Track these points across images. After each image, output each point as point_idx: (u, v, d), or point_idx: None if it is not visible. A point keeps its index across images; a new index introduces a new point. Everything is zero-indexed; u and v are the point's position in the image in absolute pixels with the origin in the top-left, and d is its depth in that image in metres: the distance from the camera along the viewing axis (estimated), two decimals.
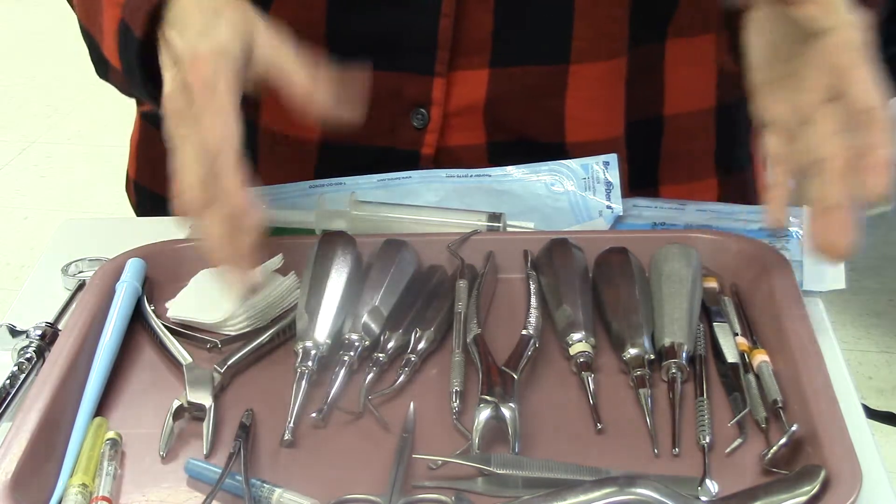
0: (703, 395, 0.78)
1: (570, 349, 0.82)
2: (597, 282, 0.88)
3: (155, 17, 0.84)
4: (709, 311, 0.87)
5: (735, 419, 0.76)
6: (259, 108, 1.06)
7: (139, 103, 1.20)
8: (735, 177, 1.12)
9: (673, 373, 0.80)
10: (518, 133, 1.02)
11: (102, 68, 0.96)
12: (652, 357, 0.81)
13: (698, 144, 1.09)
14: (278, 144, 1.07)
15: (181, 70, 0.80)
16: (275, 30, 0.82)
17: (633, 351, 0.81)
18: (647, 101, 1.06)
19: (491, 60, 0.99)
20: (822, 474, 0.68)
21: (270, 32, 0.82)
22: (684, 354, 0.81)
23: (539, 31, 0.99)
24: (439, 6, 0.96)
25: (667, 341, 0.82)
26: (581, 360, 0.81)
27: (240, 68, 0.80)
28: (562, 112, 1.00)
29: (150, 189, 1.20)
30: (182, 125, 0.80)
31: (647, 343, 0.82)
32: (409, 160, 1.02)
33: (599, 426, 0.77)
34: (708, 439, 0.75)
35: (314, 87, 0.81)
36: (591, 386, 0.79)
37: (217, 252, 0.80)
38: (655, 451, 0.74)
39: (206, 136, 0.78)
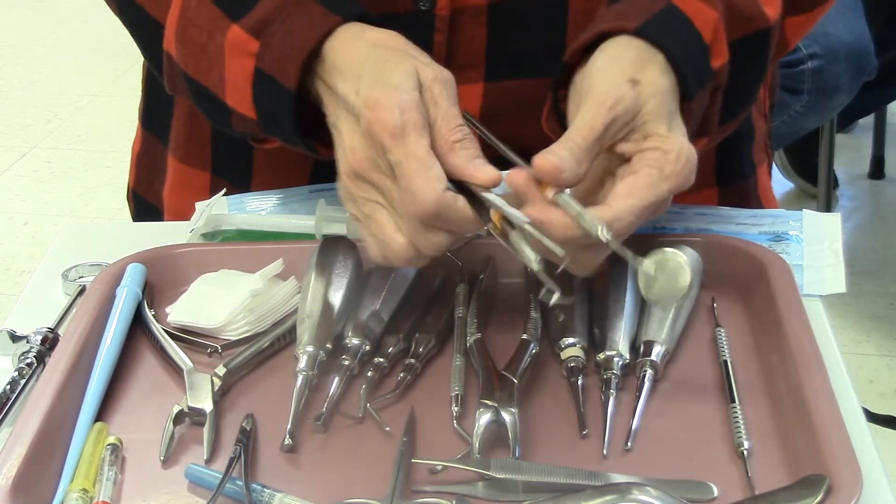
0: (734, 401, 0.78)
1: (561, 354, 0.82)
2: (593, 286, 0.88)
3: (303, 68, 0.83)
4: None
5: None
6: None
7: (142, 116, 1.20)
8: (736, 186, 1.12)
9: (644, 370, 0.81)
10: (514, 146, 1.01)
11: (221, 115, 0.92)
12: (626, 360, 0.81)
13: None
14: (274, 151, 1.06)
15: (361, 122, 0.78)
16: (441, 76, 0.80)
17: (607, 353, 0.82)
18: None
19: (485, 74, 0.99)
20: (826, 484, 0.68)
21: (437, 79, 0.80)
22: (660, 352, 0.81)
23: (533, 45, 0.99)
24: (433, 21, 0.96)
25: (643, 340, 0.82)
26: (571, 364, 0.81)
27: (424, 114, 0.78)
28: None
29: (146, 199, 1.20)
30: (384, 180, 0.78)
31: (622, 346, 0.82)
32: None
33: (585, 432, 0.77)
34: (747, 445, 0.74)
35: (452, 140, 0.79)
36: (581, 391, 0.79)
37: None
38: (605, 452, 0.75)
39: (414, 192, 0.76)
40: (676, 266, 0.76)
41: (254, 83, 0.87)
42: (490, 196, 0.77)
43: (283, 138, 0.89)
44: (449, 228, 0.78)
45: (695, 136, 0.85)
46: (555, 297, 0.74)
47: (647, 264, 0.76)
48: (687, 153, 0.79)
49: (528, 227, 0.75)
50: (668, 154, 0.78)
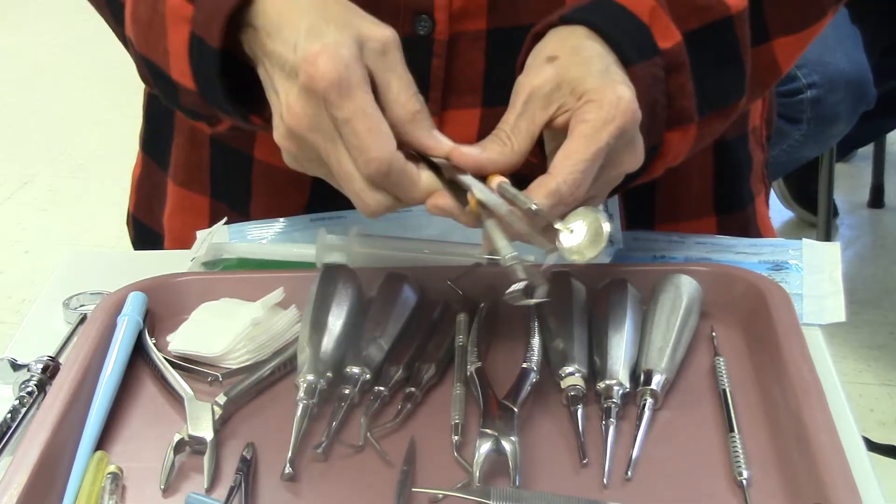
0: (733, 430, 0.78)
1: (561, 382, 0.82)
2: (593, 315, 0.88)
3: (233, 27, 0.81)
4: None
5: None
6: (254, 138, 1.06)
7: (142, 140, 1.20)
8: (735, 215, 1.12)
9: (644, 399, 0.81)
10: (511, 172, 1.02)
11: (172, 95, 0.90)
12: (626, 389, 0.81)
13: (696, 184, 1.09)
14: (272, 175, 1.07)
15: (301, 76, 0.76)
16: (396, 41, 0.79)
17: (607, 382, 0.82)
18: None
19: (483, 100, 0.99)
20: None
21: (394, 43, 0.79)
22: (660, 381, 0.81)
23: None
24: (431, 46, 0.96)
25: (644, 369, 0.83)
26: (571, 393, 0.81)
27: (363, 65, 0.76)
28: None
29: (146, 224, 1.21)
30: (321, 139, 0.77)
31: (622, 375, 0.82)
32: None
33: (585, 461, 0.77)
34: (746, 475, 0.74)
35: (413, 110, 0.78)
36: (581, 420, 0.80)
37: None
38: (605, 481, 0.75)
39: (364, 146, 0.75)
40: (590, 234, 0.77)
41: (189, 48, 0.85)
42: (469, 179, 0.78)
43: (219, 108, 0.86)
44: (395, 192, 0.78)
45: (673, 123, 0.85)
46: (536, 293, 0.75)
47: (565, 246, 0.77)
48: (621, 92, 0.79)
49: (509, 215, 0.76)
50: (601, 101, 0.78)
